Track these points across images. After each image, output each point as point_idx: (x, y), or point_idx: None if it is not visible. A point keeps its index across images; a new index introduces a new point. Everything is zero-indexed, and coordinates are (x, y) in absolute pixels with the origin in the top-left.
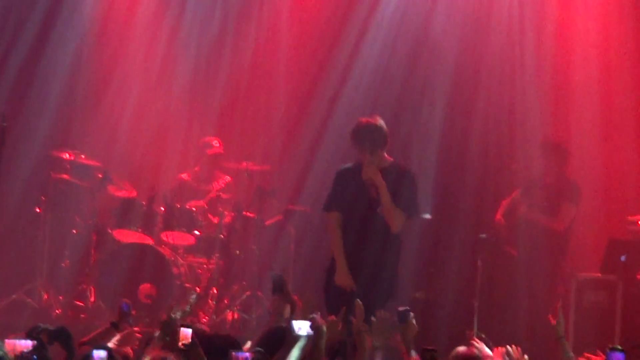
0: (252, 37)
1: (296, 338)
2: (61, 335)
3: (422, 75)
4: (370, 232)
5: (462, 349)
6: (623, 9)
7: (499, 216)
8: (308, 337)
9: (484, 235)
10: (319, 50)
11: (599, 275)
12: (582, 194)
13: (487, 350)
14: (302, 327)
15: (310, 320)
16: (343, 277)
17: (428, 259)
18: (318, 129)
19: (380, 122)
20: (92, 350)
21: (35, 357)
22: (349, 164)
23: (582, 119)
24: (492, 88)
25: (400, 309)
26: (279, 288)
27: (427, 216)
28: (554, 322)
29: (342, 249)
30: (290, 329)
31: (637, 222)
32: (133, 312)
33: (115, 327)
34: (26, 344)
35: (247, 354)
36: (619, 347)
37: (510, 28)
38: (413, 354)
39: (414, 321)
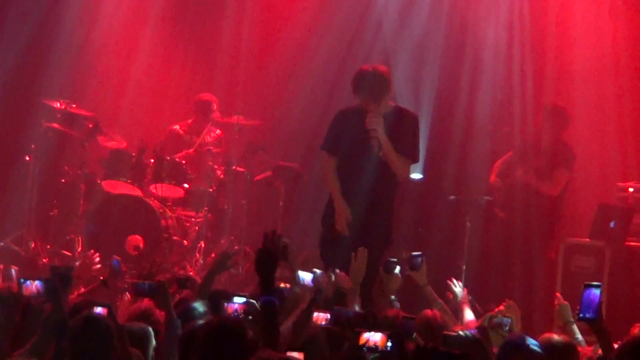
0: None
1: (297, 293)
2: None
3: (416, 34)
4: (368, 179)
5: (428, 312)
6: None
7: (493, 177)
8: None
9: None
10: (317, 4)
11: (588, 240)
12: (576, 159)
13: (469, 316)
14: (307, 278)
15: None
16: (344, 223)
17: (416, 220)
18: (311, 85)
19: (383, 69)
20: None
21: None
22: (351, 106)
23: (576, 84)
24: (487, 49)
25: (388, 259)
26: (284, 255)
27: (419, 176)
28: (557, 307)
29: (340, 192)
30: (295, 279)
31: (627, 189)
32: (123, 269)
33: (105, 285)
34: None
35: (237, 305)
36: (595, 283)
37: None
38: (396, 304)
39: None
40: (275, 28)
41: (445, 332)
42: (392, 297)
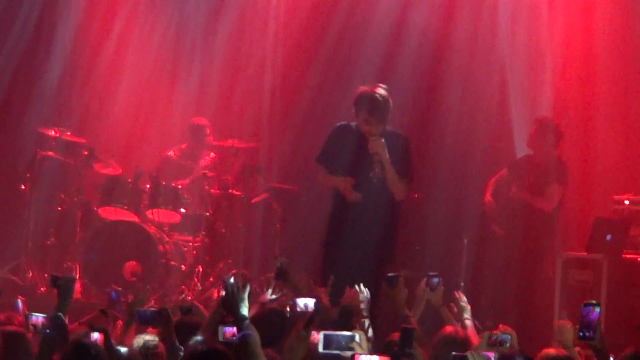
0: (240, 11)
1: (299, 315)
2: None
3: (406, 52)
4: (370, 199)
5: (449, 329)
6: None
7: (488, 196)
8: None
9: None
10: (308, 26)
11: (585, 254)
12: (570, 174)
13: (472, 332)
14: (308, 303)
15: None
16: (351, 189)
17: (414, 237)
18: (306, 106)
19: (385, 90)
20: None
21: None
22: (349, 123)
23: (568, 97)
24: (481, 64)
25: (389, 275)
26: (283, 275)
27: (414, 195)
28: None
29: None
30: (294, 305)
31: (623, 201)
32: (122, 300)
33: (104, 314)
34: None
35: (234, 329)
36: (594, 302)
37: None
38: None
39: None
40: (268, 50)
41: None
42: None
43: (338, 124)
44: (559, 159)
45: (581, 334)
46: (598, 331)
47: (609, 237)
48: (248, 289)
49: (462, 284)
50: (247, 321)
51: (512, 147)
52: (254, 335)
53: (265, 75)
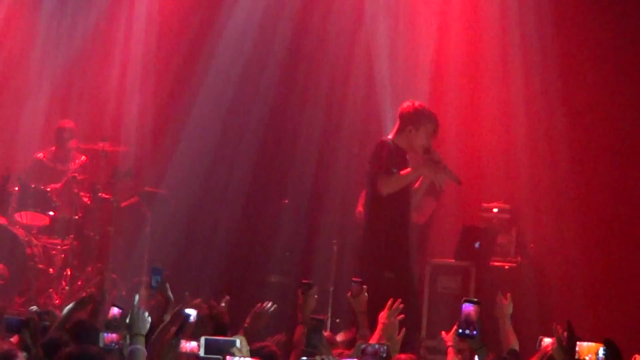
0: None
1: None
2: None
3: (273, 52)
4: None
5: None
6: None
7: (360, 207)
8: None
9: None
10: (184, 31)
11: (453, 261)
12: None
13: None
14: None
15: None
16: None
17: (285, 243)
18: (177, 111)
19: None
20: None
21: None
22: (386, 139)
23: (440, 110)
24: (355, 73)
25: (304, 282)
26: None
27: (285, 200)
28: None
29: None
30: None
31: (491, 209)
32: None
33: None
34: None
35: (114, 335)
36: (474, 300)
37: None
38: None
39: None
40: (141, 53)
41: None
42: None
43: (384, 140)
44: None
45: (460, 331)
46: (478, 329)
47: (477, 244)
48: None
49: (332, 289)
50: (142, 338)
51: None
52: (143, 350)
53: (135, 78)
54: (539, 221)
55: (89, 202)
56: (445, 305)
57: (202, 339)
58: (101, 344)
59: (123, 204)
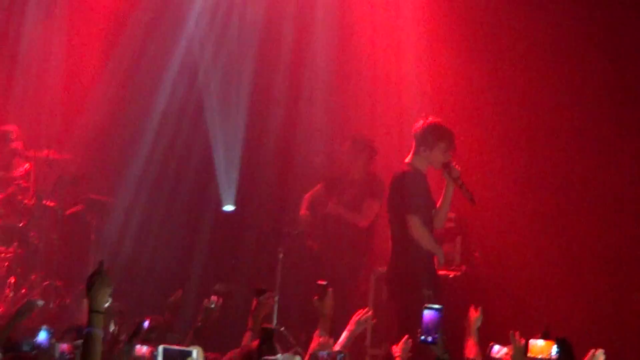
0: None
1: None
2: None
3: (225, 67)
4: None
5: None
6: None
7: (303, 210)
8: None
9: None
10: (132, 37)
11: None
12: (385, 189)
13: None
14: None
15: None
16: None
17: (229, 251)
18: (124, 118)
19: None
20: None
21: None
22: (413, 164)
23: (384, 116)
24: (295, 80)
25: (258, 288)
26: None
27: (231, 208)
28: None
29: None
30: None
31: None
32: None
33: None
34: None
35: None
36: (436, 306)
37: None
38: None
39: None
40: (85, 58)
41: None
42: None
43: (404, 170)
44: (374, 175)
45: (422, 338)
46: (440, 336)
47: None
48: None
49: (277, 298)
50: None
51: (329, 162)
52: (99, 333)
53: (81, 87)
54: (483, 230)
55: (33, 210)
56: (390, 313)
57: (160, 348)
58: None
59: (68, 212)
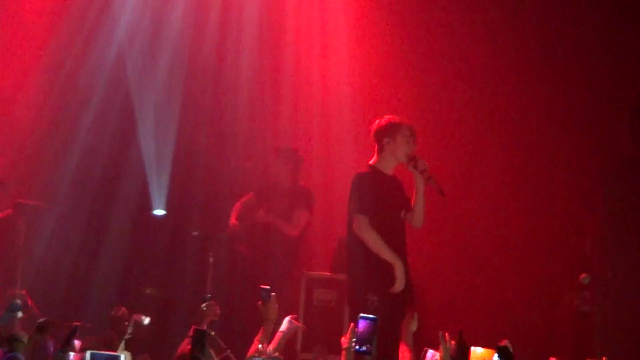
0: None
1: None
2: None
3: (160, 70)
4: (402, 233)
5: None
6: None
7: (233, 219)
8: None
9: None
10: (62, 38)
11: (329, 274)
12: (314, 199)
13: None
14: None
15: None
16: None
17: (160, 255)
18: (53, 122)
19: None
20: None
21: None
22: (376, 165)
23: (312, 126)
24: (226, 85)
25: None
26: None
27: (162, 212)
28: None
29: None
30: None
31: None
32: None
33: None
34: None
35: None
36: (371, 317)
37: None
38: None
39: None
40: (13, 60)
41: None
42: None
43: (360, 173)
44: (301, 185)
45: (357, 347)
46: (374, 345)
47: None
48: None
49: (209, 295)
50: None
51: (261, 169)
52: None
53: (10, 89)
54: (415, 233)
55: None
56: (320, 318)
57: (88, 353)
58: None
59: None
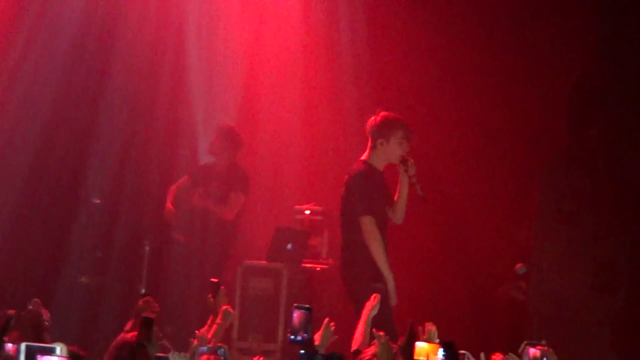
0: None
1: None
2: None
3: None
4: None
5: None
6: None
7: (169, 204)
8: None
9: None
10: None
11: (265, 262)
12: (250, 182)
13: None
14: None
15: None
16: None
17: (94, 243)
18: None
19: None
20: None
21: None
22: (369, 161)
23: (257, 110)
24: (162, 69)
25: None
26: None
27: (97, 200)
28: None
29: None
30: None
31: (304, 211)
32: None
33: None
34: None
35: None
36: (305, 306)
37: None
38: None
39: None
40: None
41: None
42: None
43: (358, 168)
44: (238, 167)
45: (292, 337)
46: (309, 334)
47: (289, 246)
48: None
49: (143, 290)
50: None
51: (195, 154)
52: None
53: None
54: None
55: None
56: (256, 306)
57: (23, 345)
58: None
59: None
